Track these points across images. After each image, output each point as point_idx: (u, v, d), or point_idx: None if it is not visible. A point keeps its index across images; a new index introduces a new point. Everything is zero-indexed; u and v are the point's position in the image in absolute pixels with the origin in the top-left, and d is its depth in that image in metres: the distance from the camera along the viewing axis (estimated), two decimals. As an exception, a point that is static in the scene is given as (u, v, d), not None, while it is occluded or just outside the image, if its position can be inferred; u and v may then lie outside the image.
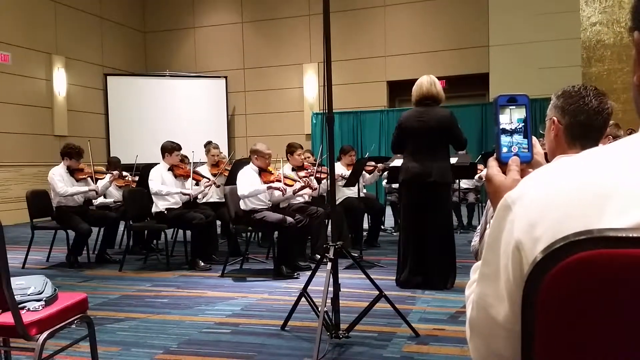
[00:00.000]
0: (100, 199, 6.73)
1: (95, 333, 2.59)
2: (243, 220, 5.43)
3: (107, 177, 6.39)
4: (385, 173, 6.95)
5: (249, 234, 6.28)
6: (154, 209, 5.80)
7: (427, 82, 4.59)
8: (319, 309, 3.15)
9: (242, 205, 5.40)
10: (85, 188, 6.03)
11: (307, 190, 5.83)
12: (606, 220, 0.58)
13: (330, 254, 3.28)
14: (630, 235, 0.55)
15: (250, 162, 5.60)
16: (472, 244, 2.18)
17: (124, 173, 6.90)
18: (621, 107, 8.82)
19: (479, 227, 2.12)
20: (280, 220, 5.18)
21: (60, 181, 5.90)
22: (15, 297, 2.17)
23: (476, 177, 7.82)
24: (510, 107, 0.94)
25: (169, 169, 5.89)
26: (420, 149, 4.57)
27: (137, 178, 6.94)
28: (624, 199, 0.58)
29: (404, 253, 4.69)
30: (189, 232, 5.87)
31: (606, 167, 0.62)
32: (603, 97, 1.76)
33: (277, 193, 5.49)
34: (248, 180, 5.34)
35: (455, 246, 4.73)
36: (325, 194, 6.46)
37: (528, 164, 0.93)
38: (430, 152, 4.54)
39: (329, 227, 5.65)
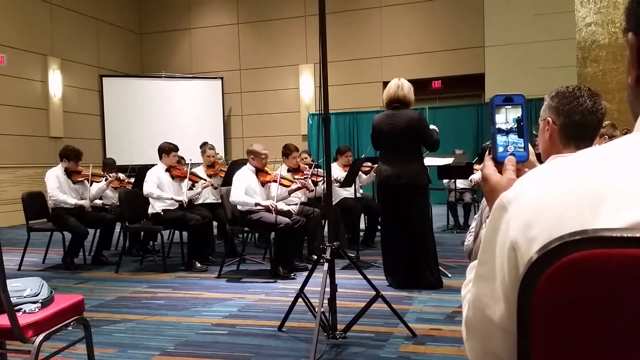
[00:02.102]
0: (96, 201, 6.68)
1: (91, 335, 2.58)
2: (239, 221, 5.43)
3: (104, 180, 6.37)
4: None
5: (245, 234, 6.27)
6: (150, 210, 5.79)
7: (395, 85, 4.62)
8: (316, 310, 3.15)
9: (239, 206, 5.39)
10: (74, 201, 5.93)
11: (304, 190, 5.86)
12: (601, 220, 0.58)
13: (327, 255, 3.28)
14: (625, 235, 0.55)
15: (247, 163, 5.60)
16: (465, 243, 2.17)
17: (121, 176, 6.88)
18: (616, 107, 8.86)
19: (471, 227, 2.12)
20: (276, 221, 5.17)
21: (53, 182, 5.87)
22: (11, 299, 2.16)
23: (470, 178, 7.85)
24: (506, 106, 0.94)
25: (166, 170, 5.88)
26: (392, 151, 4.62)
27: (132, 180, 6.92)
28: (619, 199, 0.58)
29: (389, 255, 4.72)
30: (185, 233, 5.87)
31: (601, 167, 0.62)
32: (597, 97, 1.77)
33: (273, 194, 5.48)
34: (242, 185, 5.33)
35: (446, 245, 4.74)
36: (321, 196, 6.47)
37: (524, 163, 0.93)
38: (401, 155, 4.57)
39: (326, 227, 5.65)
